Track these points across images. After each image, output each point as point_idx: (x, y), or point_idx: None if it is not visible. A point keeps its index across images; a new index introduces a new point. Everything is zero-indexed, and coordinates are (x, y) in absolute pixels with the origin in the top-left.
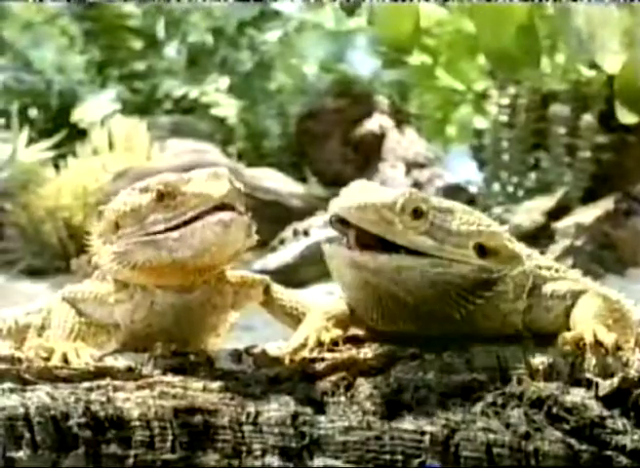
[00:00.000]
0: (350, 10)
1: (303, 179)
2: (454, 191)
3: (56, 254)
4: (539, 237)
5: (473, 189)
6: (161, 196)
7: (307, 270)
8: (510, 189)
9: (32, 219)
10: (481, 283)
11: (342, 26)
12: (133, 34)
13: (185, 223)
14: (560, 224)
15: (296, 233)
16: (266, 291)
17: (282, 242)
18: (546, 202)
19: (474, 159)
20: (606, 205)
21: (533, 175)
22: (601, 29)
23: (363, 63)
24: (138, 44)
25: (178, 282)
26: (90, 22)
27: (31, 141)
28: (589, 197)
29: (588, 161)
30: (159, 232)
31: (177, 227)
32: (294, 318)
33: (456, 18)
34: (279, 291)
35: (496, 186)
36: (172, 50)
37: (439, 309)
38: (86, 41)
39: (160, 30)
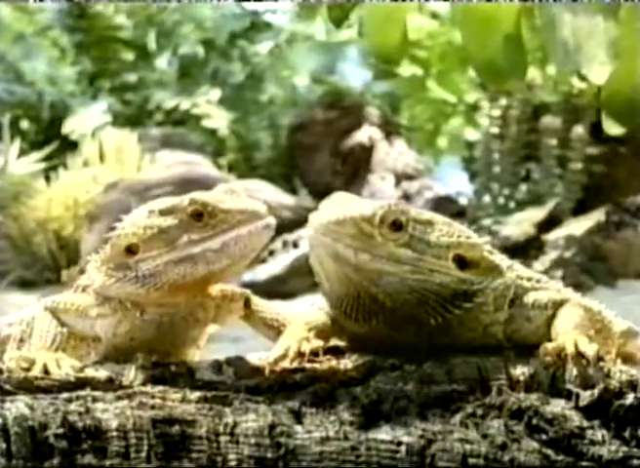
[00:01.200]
0: (338, 21)
1: (294, 191)
2: (444, 203)
3: (46, 266)
4: (529, 248)
5: (464, 201)
6: (199, 215)
7: (297, 281)
8: (501, 201)
9: (23, 231)
10: (460, 294)
11: (333, 38)
12: (124, 46)
13: None
14: (551, 236)
15: (285, 244)
16: (247, 304)
17: (271, 253)
18: (537, 213)
19: (465, 170)
20: (597, 216)
21: (524, 187)
22: (587, 40)
23: (354, 75)
24: (129, 56)
25: (191, 296)
26: (81, 34)
27: (22, 153)
28: (580, 209)
29: (579, 172)
30: None
31: None
32: (274, 330)
33: (446, 29)
34: (259, 303)
35: (486, 198)
36: (163, 61)
37: (416, 314)
38: (77, 53)
39: (151, 42)
